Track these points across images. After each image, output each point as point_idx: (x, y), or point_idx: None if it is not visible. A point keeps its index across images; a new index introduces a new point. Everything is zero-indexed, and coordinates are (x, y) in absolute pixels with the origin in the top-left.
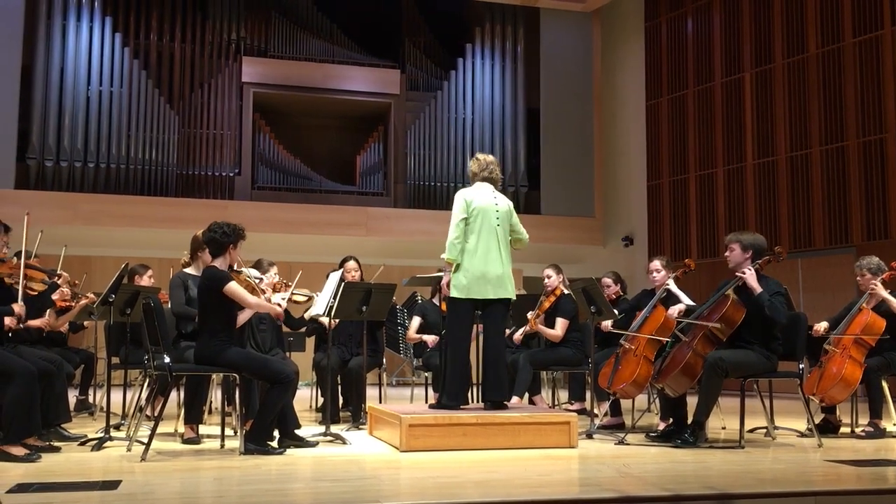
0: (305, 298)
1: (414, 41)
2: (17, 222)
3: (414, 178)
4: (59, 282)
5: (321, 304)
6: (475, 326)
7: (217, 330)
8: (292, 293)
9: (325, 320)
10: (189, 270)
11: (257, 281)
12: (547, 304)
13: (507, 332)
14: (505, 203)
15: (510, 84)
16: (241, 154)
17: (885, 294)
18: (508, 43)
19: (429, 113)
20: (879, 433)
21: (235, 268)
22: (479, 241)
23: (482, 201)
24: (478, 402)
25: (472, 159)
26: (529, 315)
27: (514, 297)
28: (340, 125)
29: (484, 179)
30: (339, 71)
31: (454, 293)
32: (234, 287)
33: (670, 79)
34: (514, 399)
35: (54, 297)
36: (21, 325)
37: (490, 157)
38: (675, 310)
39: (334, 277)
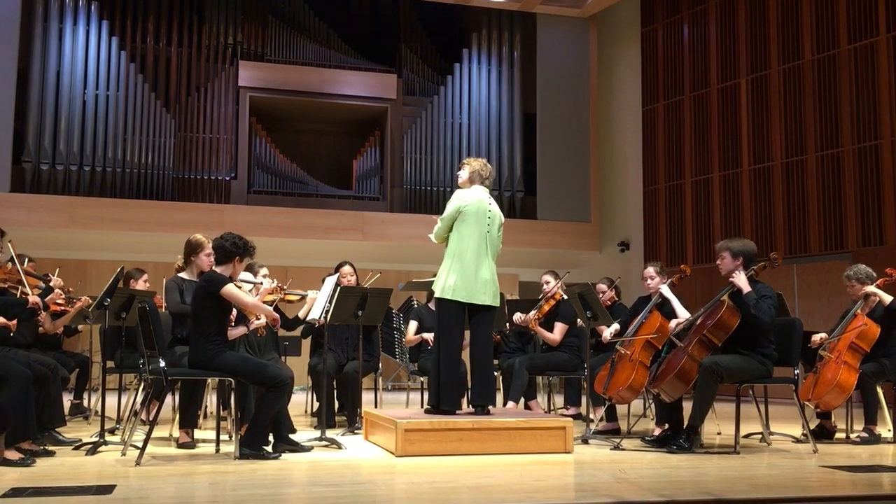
0: (298, 297)
1: (411, 46)
2: (12, 226)
3: (410, 183)
4: (51, 284)
5: (317, 308)
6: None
7: (211, 334)
8: (285, 293)
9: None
10: (183, 275)
11: (252, 291)
12: (547, 308)
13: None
14: (497, 211)
15: (507, 89)
16: (238, 158)
17: (877, 291)
18: (505, 48)
19: (425, 118)
20: (874, 439)
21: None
22: (471, 244)
23: (476, 204)
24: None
25: (463, 163)
26: (530, 315)
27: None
28: (337, 129)
29: (480, 182)
30: (336, 75)
31: (445, 294)
32: (231, 289)
33: (666, 85)
34: (510, 404)
35: (48, 299)
36: (38, 315)
37: (483, 160)
38: (674, 323)
39: (330, 282)
